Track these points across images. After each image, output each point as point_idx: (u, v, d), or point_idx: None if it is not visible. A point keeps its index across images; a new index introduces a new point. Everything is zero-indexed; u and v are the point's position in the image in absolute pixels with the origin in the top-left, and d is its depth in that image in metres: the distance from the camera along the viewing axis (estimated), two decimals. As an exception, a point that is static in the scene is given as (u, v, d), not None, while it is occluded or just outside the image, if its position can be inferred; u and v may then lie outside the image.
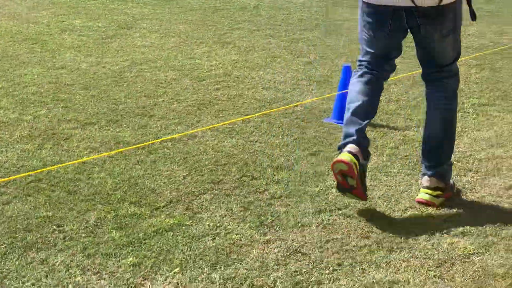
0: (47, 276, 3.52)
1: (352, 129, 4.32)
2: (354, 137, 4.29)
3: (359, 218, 4.20)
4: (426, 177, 4.46)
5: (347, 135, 4.34)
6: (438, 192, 4.41)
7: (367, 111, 4.38)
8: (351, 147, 4.25)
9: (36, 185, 4.51)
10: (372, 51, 4.44)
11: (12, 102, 6.10)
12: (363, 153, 4.28)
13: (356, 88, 4.44)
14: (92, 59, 7.60)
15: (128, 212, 4.19)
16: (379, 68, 4.46)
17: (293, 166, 4.92)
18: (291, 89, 6.72)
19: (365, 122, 4.34)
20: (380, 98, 4.51)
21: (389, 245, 3.91)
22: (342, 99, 5.82)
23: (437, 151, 4.47)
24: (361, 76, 4.46)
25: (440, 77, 4.47)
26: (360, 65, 4.51)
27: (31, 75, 6.94)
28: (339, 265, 3.70)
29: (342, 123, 5.70)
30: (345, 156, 4.18)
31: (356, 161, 4.18)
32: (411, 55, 8.21)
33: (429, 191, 4.40)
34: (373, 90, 4.44)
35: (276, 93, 6.59)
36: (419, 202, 4.40)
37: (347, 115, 4.39)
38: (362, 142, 4.30)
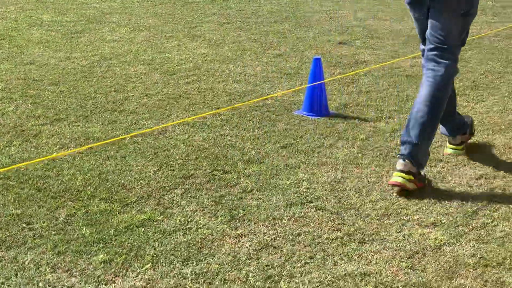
0: (16, 274, 3.48)
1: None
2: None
3: (331, 210, 4.20)
4: (401, 160, 4.48)
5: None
6: (411, 177, 4.43)
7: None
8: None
9: (4, 182, 4.46)
10: (417, 31, 4.86)
11: (-20, 99, 6.04)
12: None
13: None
14: (61, 54, 7.54)
15: (99, 208, 4.16)
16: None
17: (264, 159, 4.91)
18: (262, 82, 6.71)
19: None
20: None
21: (361, 237, 3.92)
22: (312, 91, 5.82)
23: (419, 127, 4.50)
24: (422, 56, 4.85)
25: (442, 57, 4.60)
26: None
27: (-1, 71, 6.87)
28: (311, 258, 3.70)
29: (313, 115, 5.73)
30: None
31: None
32: (380, 46, 8.25)
33: (403, 175, 4.42)
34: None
35: (247, 86, 6.57)
36: (393, 185, 4.42)
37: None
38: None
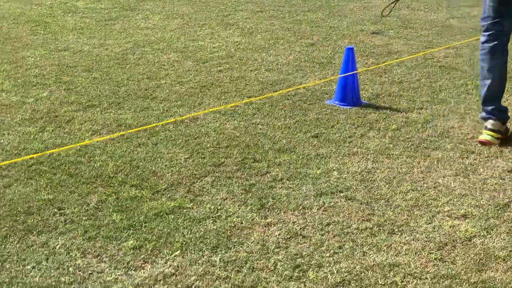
0: (47, 259, 3.52)
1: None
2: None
3: (361, 200, 4.19)
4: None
5: None
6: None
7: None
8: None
9: (37, 168, 4.50)
10: (492, 6, 5.19)
11: (15, 85, 6.09)
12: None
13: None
14: (95, 41, 7.59)
15: (129, 195, 4.19)
16: (498, 25, 5.23)
17: (295, 149, 4.90)
18: (294, 71, 6.70)
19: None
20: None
21: (390, 227, 3.90)
22: (345, 81, 5.80)
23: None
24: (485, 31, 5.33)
25: None
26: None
27: (33, 57, 6.93)
28: (339, 247, 3.69)
29: (345, 105, 5.70)
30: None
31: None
32: (414, 36, 8.19)
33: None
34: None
35: (279, 75, 6.56)
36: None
37: None
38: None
